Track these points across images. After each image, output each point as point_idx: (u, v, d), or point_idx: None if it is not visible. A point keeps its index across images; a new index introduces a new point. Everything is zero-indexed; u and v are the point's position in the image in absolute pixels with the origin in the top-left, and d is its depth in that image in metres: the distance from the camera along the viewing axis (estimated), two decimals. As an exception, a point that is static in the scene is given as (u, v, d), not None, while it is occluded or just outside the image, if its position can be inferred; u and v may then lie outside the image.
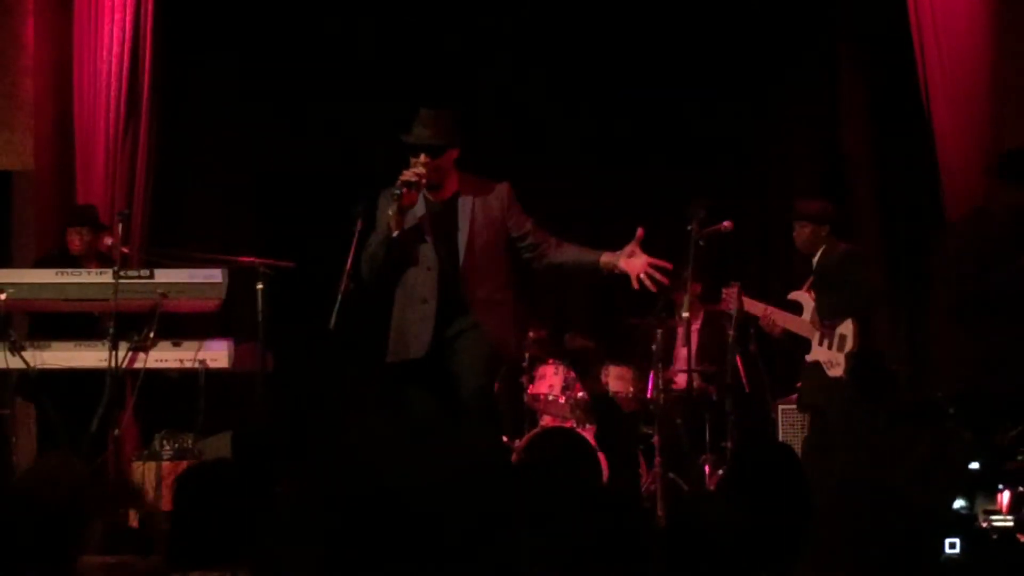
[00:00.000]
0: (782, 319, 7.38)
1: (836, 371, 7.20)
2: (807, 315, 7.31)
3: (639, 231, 5.91)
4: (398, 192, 5.98)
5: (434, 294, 6.12)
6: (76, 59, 8.72)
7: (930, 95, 7.71)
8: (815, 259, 7.39)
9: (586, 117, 9.55)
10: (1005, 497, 3.25)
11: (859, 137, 9.24)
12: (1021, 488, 3.06)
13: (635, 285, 5.94)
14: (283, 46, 9.29)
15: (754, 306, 7.45)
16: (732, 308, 7.40)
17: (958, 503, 2.47)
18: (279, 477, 3.99)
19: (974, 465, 2.82)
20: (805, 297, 7.37)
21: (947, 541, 2.58)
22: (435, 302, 6.11)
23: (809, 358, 7.30)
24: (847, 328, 7.22)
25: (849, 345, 7.21)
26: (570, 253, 6.18)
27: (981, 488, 2.89)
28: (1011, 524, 3.34)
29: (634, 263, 5.91)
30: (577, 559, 3.15)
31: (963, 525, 2.61)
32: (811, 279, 7.44)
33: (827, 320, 7.20)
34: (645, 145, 9.42)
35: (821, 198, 7.58)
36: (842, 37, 9.35)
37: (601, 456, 7.84)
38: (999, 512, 3.40)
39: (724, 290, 7.49)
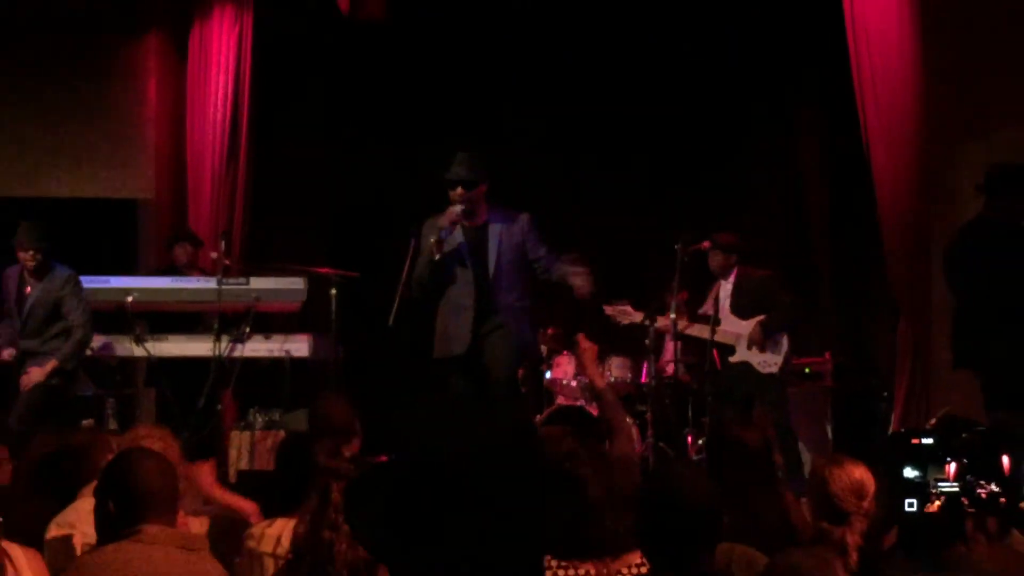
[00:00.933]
0: (698, 331, 7.37)
1: (771, 369, 7.22)
2: (728, 325, 7.29)
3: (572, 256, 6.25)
4: (442, 236, 6.17)
5: (471, 303, 6.21)
6: (188, 111, 8.77)
7: (870, 142, 7.64)
8: (730, 281, 7.41)
9: (605, 165, 9.52)
10: (952, 467, 3.26)
11: (814, 177, 9.23)
12: (964, 460, 3.07)
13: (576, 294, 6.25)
14: (351, 102, 9.34)
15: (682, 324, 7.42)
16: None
17: (913, 473, 2.52)
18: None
19: (927, 440, 2.87)
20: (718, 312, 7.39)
21: (906, 501, 2.66)
22: (472, 309, 6.20)
23: (735, 359, 7.31)
24: (782, 337, 7.28)
25: (785, 348, 7.27)
26: (558, 271, 6.29)
27: (933, 461, 2.91)
28: (956, 489, 3.35)
29: (575, 280, 6.19)
30: (587, 504, 3.21)
31: (918, 490, 2.66)
32: (713, 294, 7.45)
33: (769, 336, 7.24)
34: (649, 185, 9.42)
35: (733, 233, 7.60)
36: (801, 98, 9.33)
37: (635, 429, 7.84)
38: (947, 479, 3.41)
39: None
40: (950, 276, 5.98)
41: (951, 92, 7.67)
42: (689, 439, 7.55)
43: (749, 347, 7.24)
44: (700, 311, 7.52)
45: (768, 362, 7.21)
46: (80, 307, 7.07)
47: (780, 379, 7.26)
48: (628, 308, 7.58)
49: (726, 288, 7.42)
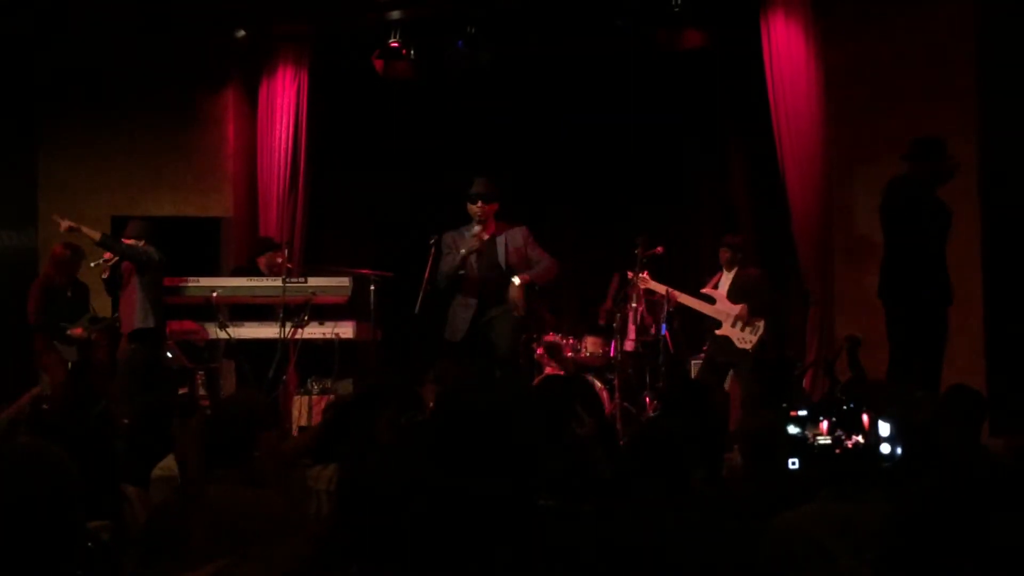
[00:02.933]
0: (697, 305, 7.36)
1: (746, 345, 7.19)
2: (720, 305, 7.28)
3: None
4: (472, 249, 6.25)
5: (474, 302, 6.27)
6: (258, 148, 8.77)
7: (785, 169, 7.69)
8: (731, 274, 7.38)
9: (589, 188, 9.46)
10: (824, 425, 3.20)
11: (741, 191, 9.18)
12: (833, 419, 3.01)
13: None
14: (386, 139, 9.28)
15: (660, 288, 7.36)
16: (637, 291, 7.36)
17: (796, 430, 2.48)
18: (381, 407, 4.01)
19: (802, 412, 2.80)
20: (715, 293, 7.37)
21: (789, 460, 2.64)
22: (474, 308, 6.27)
23: (720, 332, 7.27)
24: (760, 322, 7.23)
25: (760, 332, 7.22)
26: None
27: (809, 421, 2.86)
28: (829, 442, 3.32)
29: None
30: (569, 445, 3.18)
31: (799, 445, 2.63)
32: (715, 281, 7.42)
33: (752, 317, 7.19)
34: (614, 201, 9.40)
35: (741, 235, 7.61)
36: (730, 127, 9.26)
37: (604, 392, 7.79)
38: (821, 434, 3.36)
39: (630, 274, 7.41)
40: (882, 221, 5.71)
41: (846, 128, 7.70)
42: (647, 399, 7.52)
43: (734, 324, 7.21)
44: (702, 291, 7.46)
45: (744, 339, 7.20)
46: None
47: (753, 356, 7.19)
48: (647, 276, 7.42)
49: (727, 279, 7.39)
